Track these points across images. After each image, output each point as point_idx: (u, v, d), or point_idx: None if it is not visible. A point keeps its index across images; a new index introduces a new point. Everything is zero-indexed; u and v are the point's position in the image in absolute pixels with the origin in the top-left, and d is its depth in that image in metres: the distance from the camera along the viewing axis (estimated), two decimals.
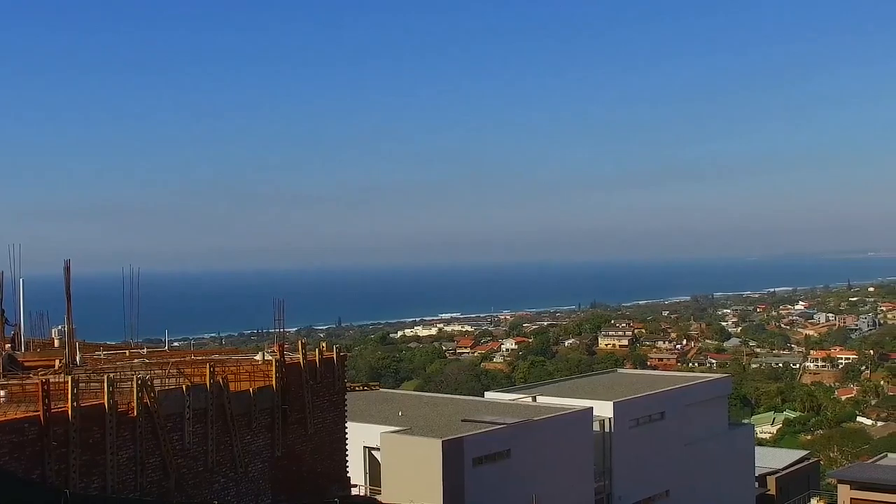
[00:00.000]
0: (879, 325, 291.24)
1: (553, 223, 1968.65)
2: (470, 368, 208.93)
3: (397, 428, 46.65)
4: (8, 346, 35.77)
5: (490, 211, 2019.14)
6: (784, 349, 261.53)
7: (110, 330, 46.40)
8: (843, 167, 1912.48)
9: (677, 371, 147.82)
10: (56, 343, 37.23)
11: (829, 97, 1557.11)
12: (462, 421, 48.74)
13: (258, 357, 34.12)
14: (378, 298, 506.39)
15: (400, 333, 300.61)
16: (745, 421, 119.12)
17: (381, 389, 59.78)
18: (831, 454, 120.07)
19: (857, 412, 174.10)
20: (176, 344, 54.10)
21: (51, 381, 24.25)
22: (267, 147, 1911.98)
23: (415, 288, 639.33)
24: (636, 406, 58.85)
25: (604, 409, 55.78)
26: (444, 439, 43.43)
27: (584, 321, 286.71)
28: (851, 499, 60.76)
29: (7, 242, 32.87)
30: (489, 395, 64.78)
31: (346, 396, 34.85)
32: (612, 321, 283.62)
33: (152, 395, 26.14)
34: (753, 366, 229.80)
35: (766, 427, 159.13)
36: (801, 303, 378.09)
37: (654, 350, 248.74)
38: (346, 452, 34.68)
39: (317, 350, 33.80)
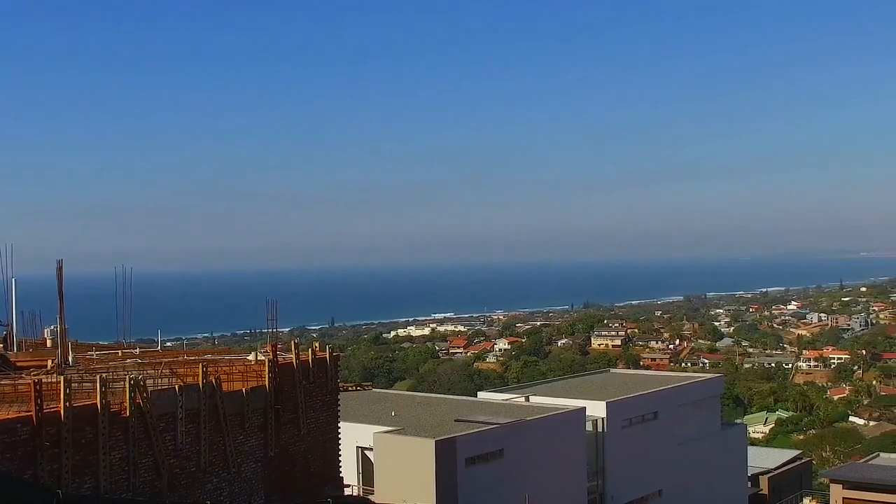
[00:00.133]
0: (872, 325, 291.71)
1: (553, 223, 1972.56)
2: (463, 368, 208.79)
3: (390, 428, 46.64)
4: (0, 346, 35.77)
5: (490, 211, 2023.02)
6: (777, 349, 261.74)
7: (104, 330, 46.34)
8: (842, 167, 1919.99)
9: (670, 371, 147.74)
10: (48, 343, 37.15)
11: (828, 97, 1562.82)
12: (455, 421, 48.74)
13: (251, 357, 34.11)
14: (373, 299, 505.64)
15: (393, 333, 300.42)
16: (738, 421, 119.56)
17: (374, 389, 59.92)
18: (824, 454, 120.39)
19: (850, 412, 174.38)
20: (169, 344, 54.05)
21: (43, 381, 24.19)
22: (267, 147, 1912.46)
23: (413, 288, 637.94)
24: (629, 406, 58.92)
25: (597, 409, 55.83)
26: (437, 439, 43.41)
27: (577, 321, 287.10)
28: (844, 498, 60.98)
29: (6, 242, 32.97)
30: (482, 395, 64.75)
31: (338, 396, 34.92)
32: (605, 321, 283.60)
33: (145, 395, 26.11)
34: (746, 366, 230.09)
35: (758, 427, 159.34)
36: (793, 303, 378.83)
37: (647, 350, 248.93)
38: (339, 452, 34.71)
39: (310, 350, 33.87)
